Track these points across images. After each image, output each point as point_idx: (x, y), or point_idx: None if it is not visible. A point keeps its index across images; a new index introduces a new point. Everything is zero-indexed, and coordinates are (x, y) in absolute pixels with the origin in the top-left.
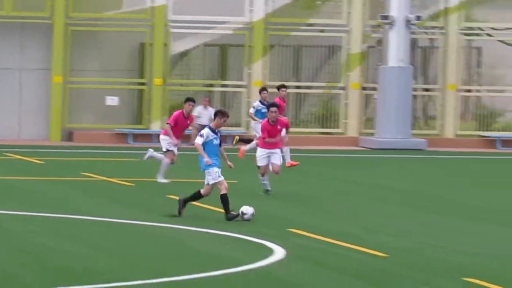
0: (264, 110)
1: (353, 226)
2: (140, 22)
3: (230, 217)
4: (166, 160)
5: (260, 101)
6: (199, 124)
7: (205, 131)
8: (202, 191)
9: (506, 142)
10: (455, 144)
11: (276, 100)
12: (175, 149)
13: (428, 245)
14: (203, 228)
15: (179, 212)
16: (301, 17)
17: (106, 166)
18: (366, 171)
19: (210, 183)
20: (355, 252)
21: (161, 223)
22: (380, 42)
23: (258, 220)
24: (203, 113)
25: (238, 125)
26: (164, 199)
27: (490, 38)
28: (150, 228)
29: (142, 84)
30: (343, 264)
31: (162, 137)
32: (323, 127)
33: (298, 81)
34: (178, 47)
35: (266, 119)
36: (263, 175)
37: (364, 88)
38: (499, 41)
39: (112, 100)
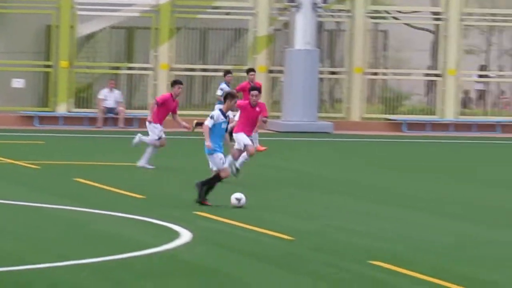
0: None
1: (260, 209)
2: (46, 4)
3: (200, 199)
4: (155, 143)
5: (226, 83)
6: (105, 107)
7: (216, 113)
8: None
9: (412, 125)
10: (361, 127)
11: (244, 83)
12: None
13: (335, 228)
14: (110, 211)
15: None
16: (208, 0)
17: (12, 149)
18: (273, 154)
19: (214, 169)
20: (261, 235)
21: (67, 206)
22: (286, 25)
23: (165, 203)
24: (109, 96)
25: (144, 108)
26: (71, 182)
27: (396, 21)
28: (56, 211)
29: (48, 66)
30: (249, 247)
31: (153, 125)
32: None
33: (205, 64)
34: (84, 29)
35: (247, 101)
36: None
37: (270, 71)
38: (405, 24)
39: (18, 83)
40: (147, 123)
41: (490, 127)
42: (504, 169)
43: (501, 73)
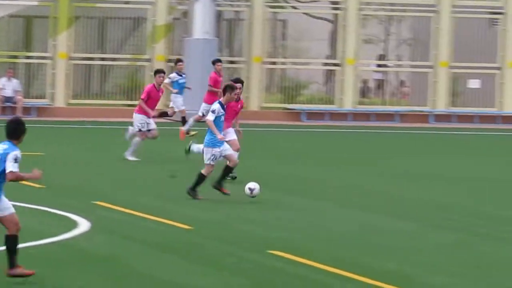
0: (182, 80)
1: (158, 199)
2: None
3: (192, 194)
4: (137, 139)
5: (177, 72)
6: (3, 96)
7: (216, 106)
8: (203, 171)
9: (311, 115)
10: (260, 116)
11: (212, 74)
12: (151, 124)
13: (235, 217)
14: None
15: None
16: None
17: None
18: (170, 143)
19: (206, 162)
20: (160, 224)
21: None
22: (185, 14)
23: (64, 193)
24: (7, 85)
25: (42, 96)
26: None
27: (295, 10)
28: None
29: None
30: (147, 237)
31: (135, 115)
32: (128, 99)
33: (103, 53)
34: None
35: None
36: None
37: (169, 60)
38: (304, 13)
39: None
40: (134, 115)
41: (389, 116)
42: (404, 159)
43: (399, 62)
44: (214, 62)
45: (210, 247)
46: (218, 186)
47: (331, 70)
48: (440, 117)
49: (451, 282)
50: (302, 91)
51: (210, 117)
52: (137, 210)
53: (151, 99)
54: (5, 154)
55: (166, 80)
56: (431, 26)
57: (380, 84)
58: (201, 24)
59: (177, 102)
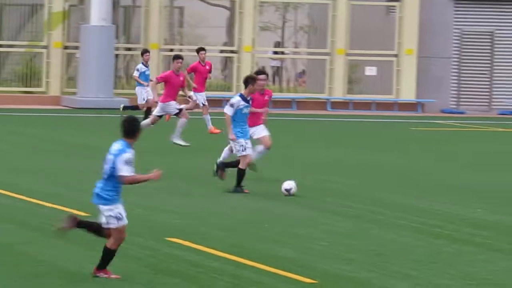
0: (148, 72)
1: (53, 185)
2: None
3: (238, 190)
4: (182, 120)
5: (143, 63)
6: None
7: (236, 99)
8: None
9: (209, 102)
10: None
11: (195, 63)
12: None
13: (133, 205)
14: None
15: (222, 176)
16: None
17: None
18: (67, 130)
19: (238, 155)
20: (55, 211)
21: None
22: (82, 0)
23: None
24: None
25: None
26: None
27: None
28: None
29: None
30: (45, 224)
31: (166, 104)
32: (25, 86)
33: (0, 39)
34: None
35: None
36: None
37: (66, 47)
38: (201, 0)
39: None
40: (159, 104)
41: (286, 103)
42: (301, 146)
43: (297, 50)
44: (198, 51)
45: None
46: (239, 189)
47: (228, 57)
48: (337, 104)
49: (348, 270)
50: None
51: (228, 111)
52: (35, 197)
53: (170, 85)
54: (118, 155)
55: (135, 73)
56: (328, 13)
57: (277, 71)
58: (98, 11)
59: (142, 94)
